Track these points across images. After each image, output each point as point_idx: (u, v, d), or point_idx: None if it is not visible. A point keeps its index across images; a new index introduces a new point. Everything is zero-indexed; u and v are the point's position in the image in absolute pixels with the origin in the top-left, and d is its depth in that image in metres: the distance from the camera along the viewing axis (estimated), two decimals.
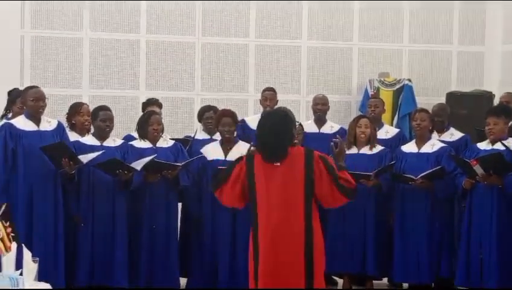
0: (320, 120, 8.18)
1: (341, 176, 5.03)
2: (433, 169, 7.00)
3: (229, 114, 7.31)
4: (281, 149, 5.03)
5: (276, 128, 5.05)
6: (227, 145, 7.28)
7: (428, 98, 9.10)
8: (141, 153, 7.00)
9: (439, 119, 7.54)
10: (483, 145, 6.97)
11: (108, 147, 6.90)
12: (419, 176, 6.96)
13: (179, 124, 9.39)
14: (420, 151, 7.25)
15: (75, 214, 6.80)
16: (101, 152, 6.70)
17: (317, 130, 8.11)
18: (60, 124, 6.86)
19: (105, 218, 6.84)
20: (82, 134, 7.18)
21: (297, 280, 4.98)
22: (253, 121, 8.10)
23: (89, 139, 6.98)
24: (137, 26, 9.56)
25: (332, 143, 5.23)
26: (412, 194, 7.17)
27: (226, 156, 7.20)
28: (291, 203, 5.01)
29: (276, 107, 7.66)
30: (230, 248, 7.09)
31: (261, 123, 5.20)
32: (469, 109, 9.32)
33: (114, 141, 7.02)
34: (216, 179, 5.37)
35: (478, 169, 6.62)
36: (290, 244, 4.99)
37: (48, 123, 6.78)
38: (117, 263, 6.85)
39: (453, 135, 7.74)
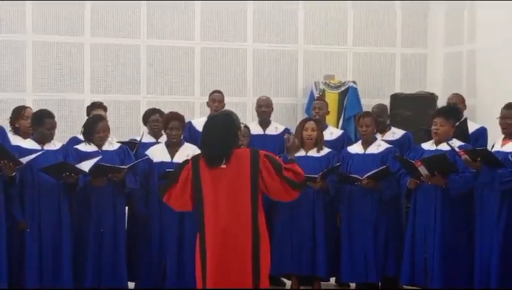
0: (264, 122, 8.19)
1: (290, 168, 5.10)
2: (378, 169, 7.03)
3: (177, 117, 7.26)
4: (224, 151, 5.03)
5: (220, 131, 5.06)
6: (173, 147, 7.22)
7: (373, 100, 9.12)
8: (86, 156, 6.89)
9: (380, 120, 7.59)
10: (428, 146, 7.01)
11: (48, 151, 6.78)
12: (364, 176, 6.97)
13: (125, 127, 9.27)
14: (366, 152, 7.28)
15: (20, 220, 6.66)
16: (40, 152, 6.60)
17: (262, 132, 8.09)
18: (1, 128, 6.74)
19: (51, 221, 6.74)
20: (26, 137, 7.04)
21: (245, 281, 4.98)
22: (199, 123, 7.99)
23: (30, 143, 6.84)
24: (81, 28, 9.41)
25: (285, 137, 5.41)
26: (359, 196, 7.19)
27: (172, 158, 7.15)
28: (239, 205, 5.02)
29: (222, 109, 7.65)
30: (178, 249, 7.04)
31: (205, 127, 5.22)
32: (413, 110, 9.40)
33: (54, 144, 6.89)
34: (163, 184, 5.34)
35: (422, 169, 6.65)
36: (237, 246, 5.00)
37: None
38: (63, 265, 6.76)
39: (395, 133, 7.86)
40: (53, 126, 6.83)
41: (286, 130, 8.02)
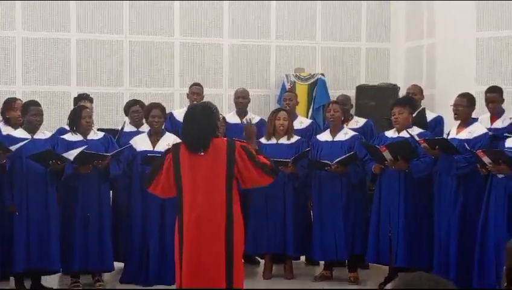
0: (241, 112, 8.15)
1: (260, 160, 5.06)
2: (347, 155, 7.00)
3: (158, 106, 7.23)
4: (203, 140, 4.97)
5: (200, 120, 5.00)
6: (155, 136, 7.19)
7: (340, 91, 9.07)
8: (72, 145, 6.80)
9: (345, 108, 7.58)
10: (390, 133, 7.01)
11: (38, 139, 6.68)
12: (334, 161, 6.94)
13: (110, 117, 9.17)
14: (334, 139, 7.24)
15: (9, 204, 6.55)
16: (27, 140, 6.50)
17: (239, 121, 8.02)
18: None
19: (39, 206, 6.63)
20: (16, 128, 6.91)
21: (218, 260, 4.94)
22: (180, 114, 7.99)
23: (20, 133, 6.72)
24: (67, 25, 9.27)
25: (245, 125, 5.42)
26: (328, 180, 7.16)
27: (154, 147, 7.10)
28: (214, 190, 4.97)
29: (202, 101, 7.64)
30: (160, 232, 6.98)
31: (186, 116, 5.17)
32: (377, 100, 9.40)
33: (44, 133, 6.80)
34: (147, 175, 5.26)
35: (387, 155, 6.65)
36: (212, 228, 4.95)
37: None
38: (51, 248, 6.66)
39: (358, 122, 7.88)
40: (38, 112, 6.69)
41: (261, 120, 8.02)
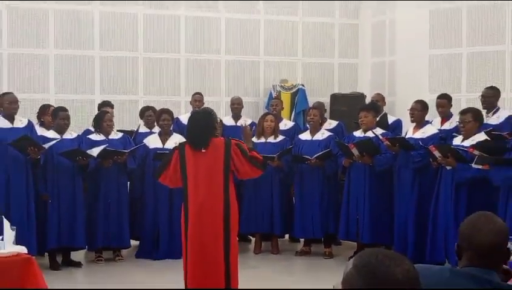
0: (236, 116, 8.18)
1: (251, 155, 5.07)
2: (324, 151, 7.02)
3: (167, 112, 7.28)
4: (204, 139, 4.99)
5: (200, 123, 5.03)
6: (164, 136, 7.21)
7: (317, 98, 9.09)
8: (96, 144, 6.84)
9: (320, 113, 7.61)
10: (358, 133, 7.02)
11: (66, 139, 6.72)
12: (313, 157, 6.97)
13: (127, 120, 9.20)
14: (313, 138, 7.25)
15: (43, 193, 6.60)
16: (57, 139, 6.54)
17: (234, 124, 8.06)
18: (29, 122, 6.66)
19: (67, 194, 6.67)
20: (49, 129, 6.92)
21: (218, 237, 4.97)
22: (185, 118, 8.00)
23: (51, 134, 6.77)
24: (91, 43, 9.26)
25: (242, 126, 5.40)
26: (308, 172, 7.17)
27: (163, 145, 7.11)
28: (214, 182, 4.99)
29: (202, 107, 7.64)
30: (168, 215, 7.00)
31: (189, 120, 5.21)
32: (347, 106, 9.34)
33: (71, 134, 6.83)
34: (157, 169, 5.27)
35: (355, 151, 6.66)
36: (212, 214, 4.97)
37: (20, 121, 6.54)
38: (78, 229, 6.70)
39: (331, 124, 7.86)
40: (66, 117, 6.71)
41: (252, 123, 8.01)
